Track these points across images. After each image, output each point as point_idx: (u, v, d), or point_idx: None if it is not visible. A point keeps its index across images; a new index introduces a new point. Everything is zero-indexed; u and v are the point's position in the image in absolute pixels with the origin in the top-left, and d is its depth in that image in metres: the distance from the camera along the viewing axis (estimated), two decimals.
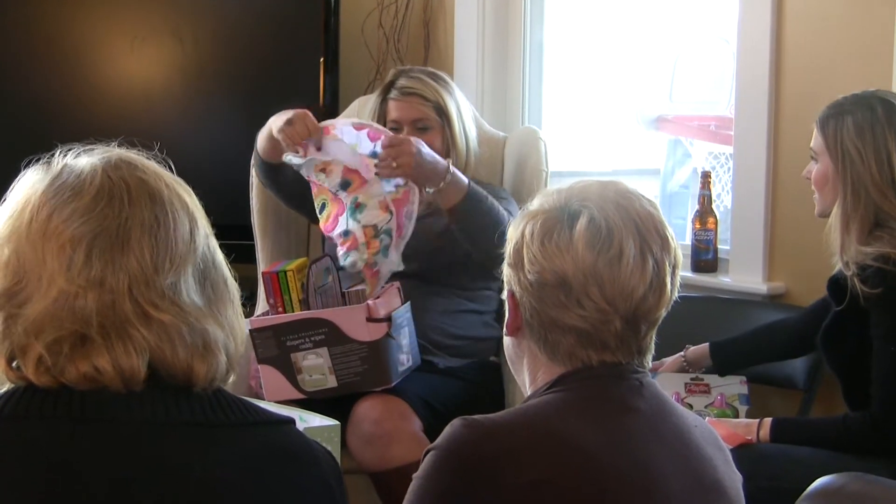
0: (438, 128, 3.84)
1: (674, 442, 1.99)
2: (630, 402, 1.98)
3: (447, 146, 3.85)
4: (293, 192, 3.89)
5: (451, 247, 3.78)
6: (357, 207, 3.59)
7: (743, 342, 3.68)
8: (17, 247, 1.63)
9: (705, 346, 3.70)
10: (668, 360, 3.71)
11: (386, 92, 3.90)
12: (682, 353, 3.71)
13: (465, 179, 3.65)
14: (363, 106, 4.21)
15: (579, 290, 1.96)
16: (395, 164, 3.54)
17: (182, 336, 1.62)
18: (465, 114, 3.93)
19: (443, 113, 3.85)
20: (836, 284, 3.21)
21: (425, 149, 3.58)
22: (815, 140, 3.28)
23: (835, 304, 3.22)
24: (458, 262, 3.80)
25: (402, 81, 3.89)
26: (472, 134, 3.94)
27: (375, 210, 3.59)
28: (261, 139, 3.81)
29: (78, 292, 1.60)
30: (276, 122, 3.66)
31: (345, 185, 3.60)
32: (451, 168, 3.62)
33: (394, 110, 3.85)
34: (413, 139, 3.58)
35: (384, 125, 3.82)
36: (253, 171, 4.10)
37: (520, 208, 3.69)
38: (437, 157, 3.63)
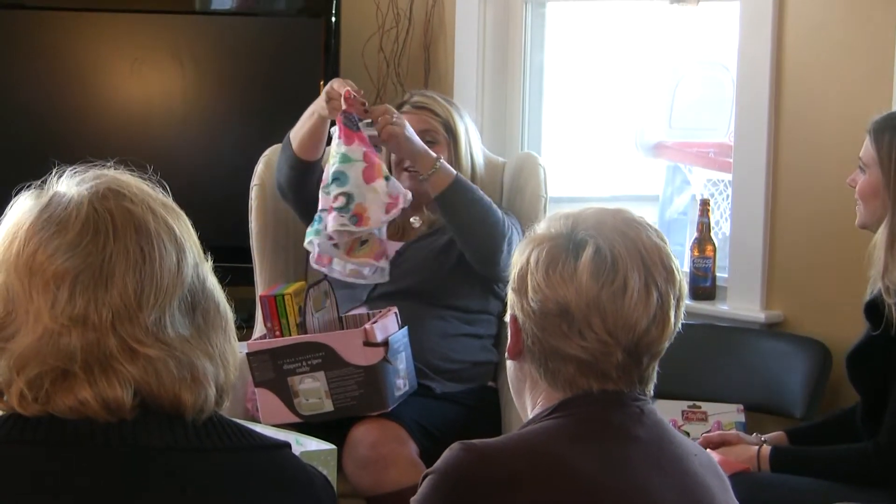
0: (445, 143, 3.87)
1: (673, 470, 1.98)
2: (630, 430, 1.97)
3: (452, 163, 3.86)
4: (312, 197, 3.87)
5: (450, 265, 3.79)
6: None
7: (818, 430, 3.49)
8: (7, 278, 1.62)
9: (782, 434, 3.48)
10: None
11: (398, 109, 3.92)
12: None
13: (453, 171, 3.72)
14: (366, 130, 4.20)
15: (581, 321, 1.95)
16: (389, 128, 3.60)
17: (169, 369, 1.61)
18: (473, 139, 3.97)
19: (451, 130, 3.89)
20: (874, 307, 3.13)
21: (410, 129, 3.66)
22: (866, 150, 3.19)
23: (871, 328, 3.14)
24: (458, 281, 3.81)
25: (415, 98, 3.95)
26: (479, 160, 3.97)
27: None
28: (296, 134, 3.82)
29: (62, 330, 1.59)
30: (312, 107, 3.73)
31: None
32: (441, 158, 3.70)
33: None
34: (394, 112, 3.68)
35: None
36: (253, 195, 4.10)
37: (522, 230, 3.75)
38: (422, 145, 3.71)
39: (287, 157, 3.86)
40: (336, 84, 3.65)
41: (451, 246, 3.83)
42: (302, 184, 3.83)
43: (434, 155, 3.71)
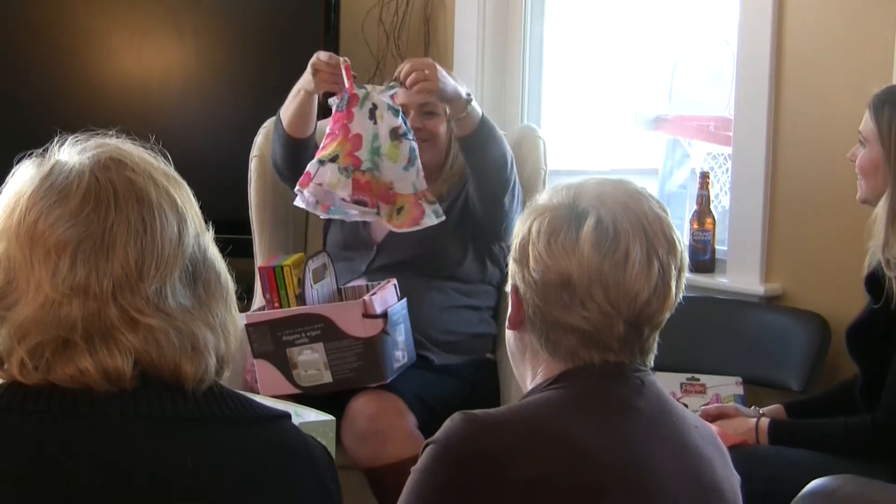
0: (444, 115, 3.85)
1: (673, 442, 1.98)
2: (631, 402, 1.98)
3: (450, 136, 3.86)
4: None
5: (448, 234, 3.79)
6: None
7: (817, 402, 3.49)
8: (8, 247, 1.62)
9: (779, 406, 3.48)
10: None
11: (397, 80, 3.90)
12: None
13: (479, 111, 3.71)
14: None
15: (583, 292, 1.95)
16: (421, 85, 3.58)
17: (169, 339, 1.61)
18: None
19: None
20: (875, 280, 3.12)
21: (441, 72, 3.63)
22: (866, 124, 3.18)
23: (872, 302, 3.15)
24: (456, 250, 3.82)
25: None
26: None
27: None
28: (286, 113, 3.82)
29: (63, 300, 1.59)
30: (298, 84, 3.71)
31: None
32: (472, 99, 3.69)
33: (401, 95, 3.83)
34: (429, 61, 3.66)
35: None
36: (252, 166, 4.10)
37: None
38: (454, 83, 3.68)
39: (279, 135, 3.85)
40: (322, 56, 3.64)
41: (448, 215, 3.82)
42: (297, 161, 3.81)
43: (465, 96, 3.67)
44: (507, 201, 3.74)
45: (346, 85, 3.57)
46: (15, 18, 4.73)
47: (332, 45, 4.63)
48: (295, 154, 3.83)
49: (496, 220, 3.79)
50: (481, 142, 3.71)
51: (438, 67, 3.63)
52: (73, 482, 1.56)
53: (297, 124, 3.80)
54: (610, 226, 1.96)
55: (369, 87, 3.62)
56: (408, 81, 3.59)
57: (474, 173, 3.77)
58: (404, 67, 3.63)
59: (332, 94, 3.63)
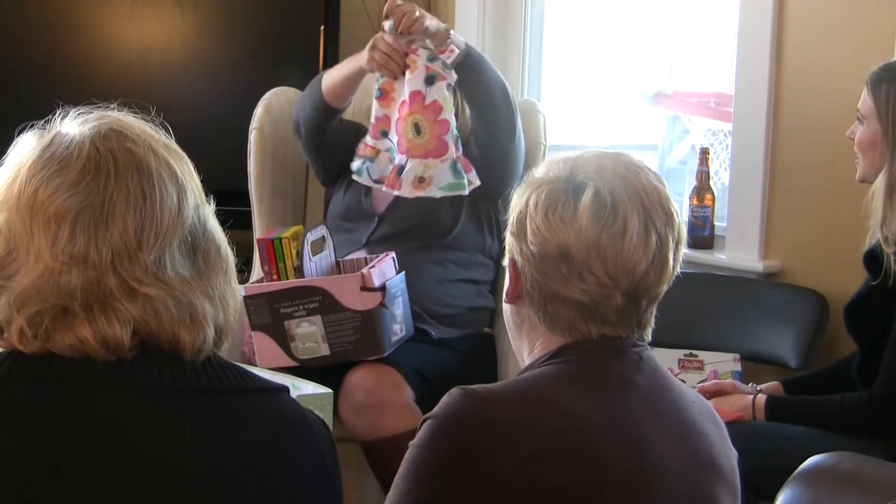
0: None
1: (671, 417, 1.98)
2: (629, 377, 1.98)
3: (457, 108, 3.85)
4: (328, 140, 3.89)
5: (447, 202, 3.78)
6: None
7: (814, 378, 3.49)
8: (9, 217, 1.63)
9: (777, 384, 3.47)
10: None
11: None
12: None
13: (462, 41, 3.72)
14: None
15: (581, 264, 1.95)
16: (416, 14, 3.61)
17: (168, 309, 1.62)
18: None
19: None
20: (874, 257, 3.12)
21: (420, 10, 3.66)
22: (864, 101, 3.18)
23: (871, 278, 3.14)
24: (454, 219, 3.82)
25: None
26: None
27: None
28: (330, 77, 3.83)
29: (62, 269, 1.60)
30: (356, 56, 3.74)
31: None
32: (452, 30, 3.70)
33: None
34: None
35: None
36: (252, 138, 4.09)
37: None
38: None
39: (313, 96, 3.84)
40: (386, 37, 3.66)
41: None
42: (320, 128, 3.84)
43: (444, 27, 3.69)
44: (514, 134, 3.75)
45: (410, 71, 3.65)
46: None
47: (333, 17, 4.62)
48: (322, 120, 3.85)
49: (504, 160, 3.79)
50: (472, 67, 3.71)
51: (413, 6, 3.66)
52: (71, 450, 1.56)
53: (337, 93, 3.81)
54: (608, 197, 1.96)
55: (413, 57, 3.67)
56: (401, 27, 3.60)
57: (474, 105, 3.78)
58: (392, 12, 3.65)
59: None
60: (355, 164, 3.77)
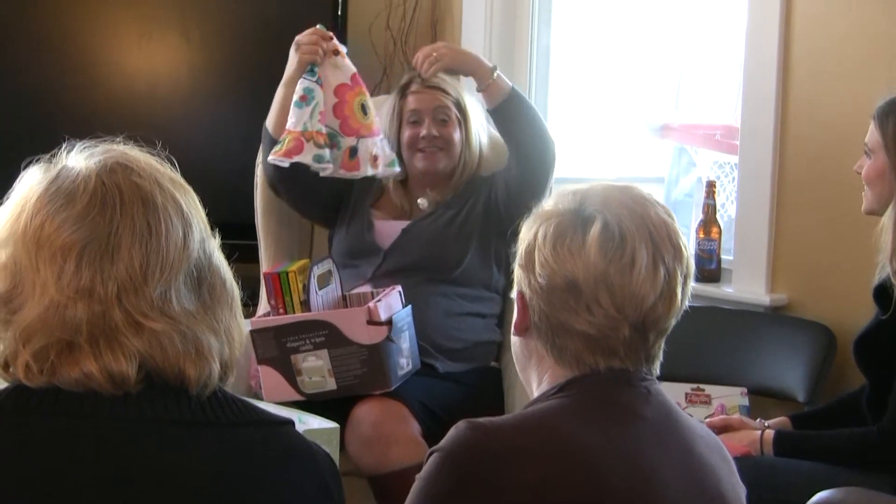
0: (456, 122, 3.88)
1: (679, 451, 1.98)
2: (636, 410, 1.97)
3: (463, 143, 3.87)
4: (307, 188, 3.88)
5: (454, 238, 3.79)
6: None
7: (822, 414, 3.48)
8: (15, 251, 1.63)
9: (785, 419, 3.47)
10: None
11: (404, 90, 3.92)
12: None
13: (508, 81, 3.79)
14: (376, 106, 4.20)
15: (589, 296, 1.95)
16: (434, 55, 3.70)
17: (174, 343, 1.62)
18: (481, 117, 3.96)
19: (461, 109, 3.89)
20: (883, 291, 3.11)
21: (451, 46, 3.82)
22: (871, 135, 3.18)
23: (881, 312, 3.14)
24: (462, 255, 3.83)
25: (419, 80, 3.91)
26: (485, 139, 3.97)
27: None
28: (272, 118, 3.87)
29: (68, 302, 1.60)
30: (283, 79, 3.83)
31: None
32: (497, 68, 3.76)
33: (413, 101, 3.86)
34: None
35: (402, 120, 3.92)
36: (258, 172, 4.10)
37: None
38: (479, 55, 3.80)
39: (269, 146, 3.84)
40: (303, 35, 3.79)
41: (454, 220, 3.84)
42: (292, 174, 3.81)
43: (490, 64, 3.76)
44: (547, 179, 3.82)
45: (328, 46, 3.76)
46: (24, 22, 4.73)
47: None
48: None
49: (530, 200, 3.79)
50: (514, 108, 3.77)
51: (452, 46, 3.74)
52: (75, 484, 1.56)
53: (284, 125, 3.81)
54: (616, 230, 1.96)
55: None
56: (422, 64, 3.71)
57: (512, 145, 3.82)
58: (418, 56, 3.75)
59: None
60: (313, 154, 3.71)
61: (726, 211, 4.93)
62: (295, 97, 3.73)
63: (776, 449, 3.19)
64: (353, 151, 3.73)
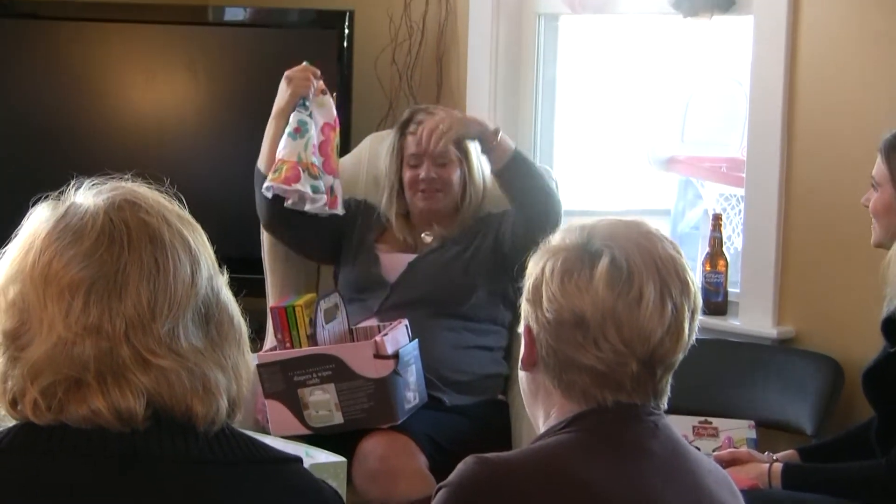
0: (457, 163, 3.89)
1: (687, 486, 1.97)
2: (644, 445, 1.97)
3: (464, 180, 3.88)
4: (303, 225, 3.90)
5: (460, 274, 3.80)
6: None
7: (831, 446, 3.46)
8: (23, 288, 1.63)
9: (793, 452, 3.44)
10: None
11: (404, 128, 3.93)
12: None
13: (512, 142, 3.82)
14: (376, 143, 4.21)
15: (597, 331, 1.95)
16: (441, 128, 3.72)
17: (181, 380, 1.61)
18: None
19: (461, 148, 3.88)
20: (891, 324, 3.11)
21: (457, 115, 3.84)
22: (878, 168, 3.19)
23: (889, 345, 3.13)
24: (468, 290, 3.83)
25: (420, 117, 3.92)
26: (486, 171, 3.97)
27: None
28: (263, 157, 3.92)
29: (76, 339, 1.59)
30: (272, 114, 3.91)
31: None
32: (500, 130, 3.80)
33: (413, 144, 3.87)
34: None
35: (402, 161, 3.92)
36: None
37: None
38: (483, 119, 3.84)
39: (262, 184, 3.87)
40: (294, 70, 3.88)
41: (461, 255, 3.85)
42: (286, 218, 3.84)
43: (493, 126, 3.80)
44: (557, 224, 3.78)
45: (317, 84, 3.86)
46: (28, 56, 4.75)
47: (345, 85, 4.64)
48: (281, 199, 3.85)
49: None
50: (517, 171, 3.79)
51: (453, 112, 3.73)
52: None
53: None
54: (624, 265, 1.96)
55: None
56: (428, 140, 3.74)
57: (517, 205, 3.83)
58: (422, 132, 3.78)
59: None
60: (310, 184, 3.80)
61: (732, 243, 4.94)
62: (288, 128, 3.81)
63: (784, 482, 3.18)
64: (332, 189, 3.85)
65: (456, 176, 3.89)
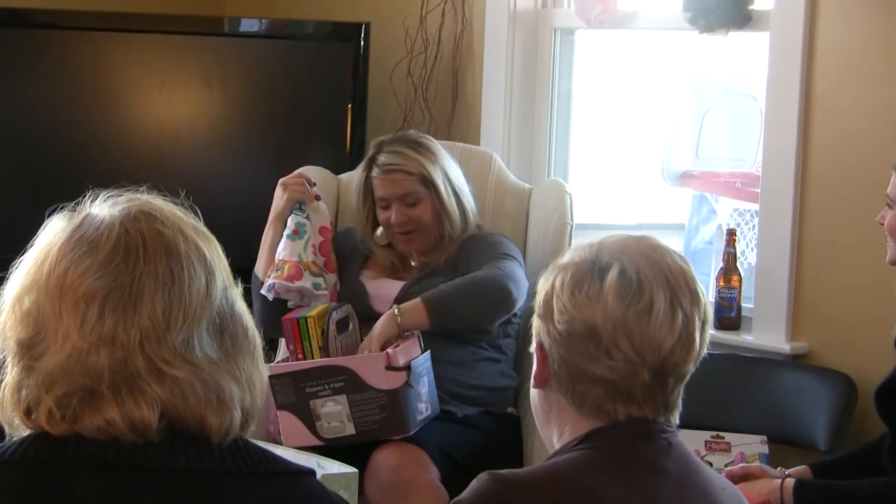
0: (427, 199, 3.86)
1: (700, 503, 1.97)
2: (658, 462, 1.97)
3: (438, 214, 3.86)
4: None
5: None
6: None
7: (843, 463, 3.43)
8: (38, 298, 1.63)
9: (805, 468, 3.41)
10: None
11: (369, 168, 3.92)
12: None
13: (418, 301, 3.67)
14: (350, 182, 4.17)
15: (608, 341, 1.95)
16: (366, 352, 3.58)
17: (195, 391, 1.62)
18: (452, 174, 3.94)
19: (429, 183, 3.85)
20: None
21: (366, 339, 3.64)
22: (893, 186, 3.15)
23: None
24: None
25: (382, 158, 3.89)
26: (465, 189, 3.95)
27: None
28: (261, 263, 3.93)
29: (90, 349, 1.60)
30: (269, 221, 3.97)
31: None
32: (394, 308, 3.65)
33: (379, 188, 3.87)
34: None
35: (371, 202, 3.94)
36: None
37: (525, 260, 3.75)
38: (378, 322, 3.64)
39: (261, 295, 3.85)
40: (288, 177, 3.96)
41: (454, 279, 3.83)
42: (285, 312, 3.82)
43: (385, 315, 3.64)
44: (517, 295, 3.75)
45: (311, 191, 3.95)
46: (45, 71, 4.76)
47: (361, 95, 4.65)
48: (282, 308, 3.84)
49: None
50: (447, 316, 3.70)
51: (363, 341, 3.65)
52: None
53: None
54: (633, 276, 1.97)
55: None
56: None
57: (469, 327, 3.82)
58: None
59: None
60: (312, 282, 3.85)
61: (746, 259, 4.93)
62: (287, 231, 3.89)
63: (796, 498, 3.17)
64: (336, 287, 3.94)
65: (428, 213, 3.86)
